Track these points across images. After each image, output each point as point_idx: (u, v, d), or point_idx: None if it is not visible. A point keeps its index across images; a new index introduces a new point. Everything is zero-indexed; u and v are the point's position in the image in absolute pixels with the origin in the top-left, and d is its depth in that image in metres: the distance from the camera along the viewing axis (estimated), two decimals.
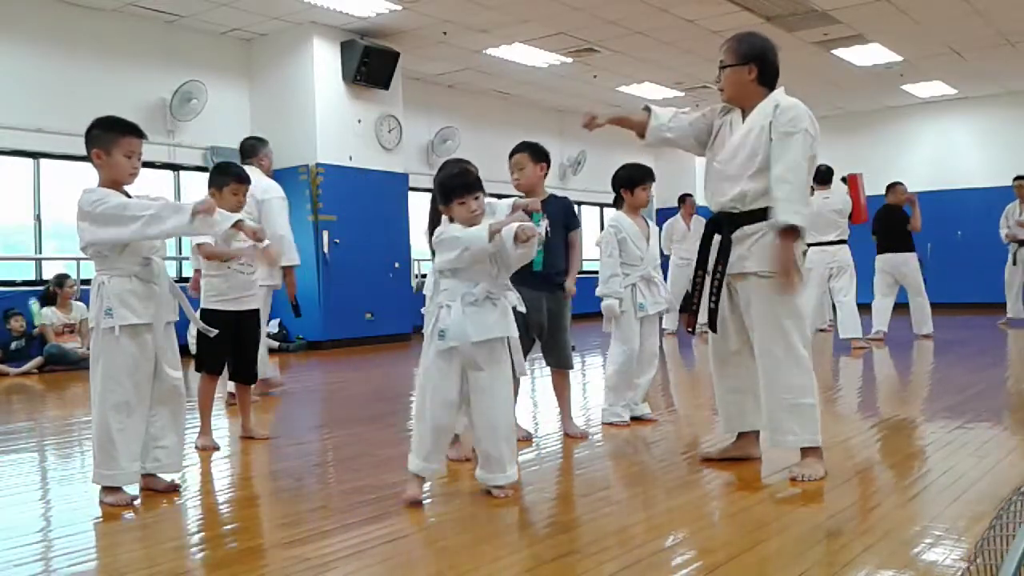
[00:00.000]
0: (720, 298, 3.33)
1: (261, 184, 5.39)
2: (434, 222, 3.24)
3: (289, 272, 5.56)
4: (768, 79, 3.28)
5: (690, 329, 3.84)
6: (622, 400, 4.47)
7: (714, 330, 3.39)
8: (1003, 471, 3.27)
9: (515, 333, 3.08)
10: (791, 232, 3.11)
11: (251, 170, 5.47)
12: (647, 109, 3.54)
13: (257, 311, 4.30)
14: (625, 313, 4.42)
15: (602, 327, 4.55)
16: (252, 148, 5.75)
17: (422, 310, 3.15)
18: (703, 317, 3.44)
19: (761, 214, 3.20)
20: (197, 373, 4.21)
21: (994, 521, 1.45)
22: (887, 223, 9.03)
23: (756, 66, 3.26)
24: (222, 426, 4.79)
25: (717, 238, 3.36)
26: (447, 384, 2.98)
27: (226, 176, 4.16)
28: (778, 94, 3.27)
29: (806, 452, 3.23)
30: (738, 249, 3.27)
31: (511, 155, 4.09)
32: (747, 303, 3.28)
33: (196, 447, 4.04)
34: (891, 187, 9.18)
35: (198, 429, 4.13)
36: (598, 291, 4.46)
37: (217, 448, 4.06)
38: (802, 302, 3.32)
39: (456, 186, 3.05)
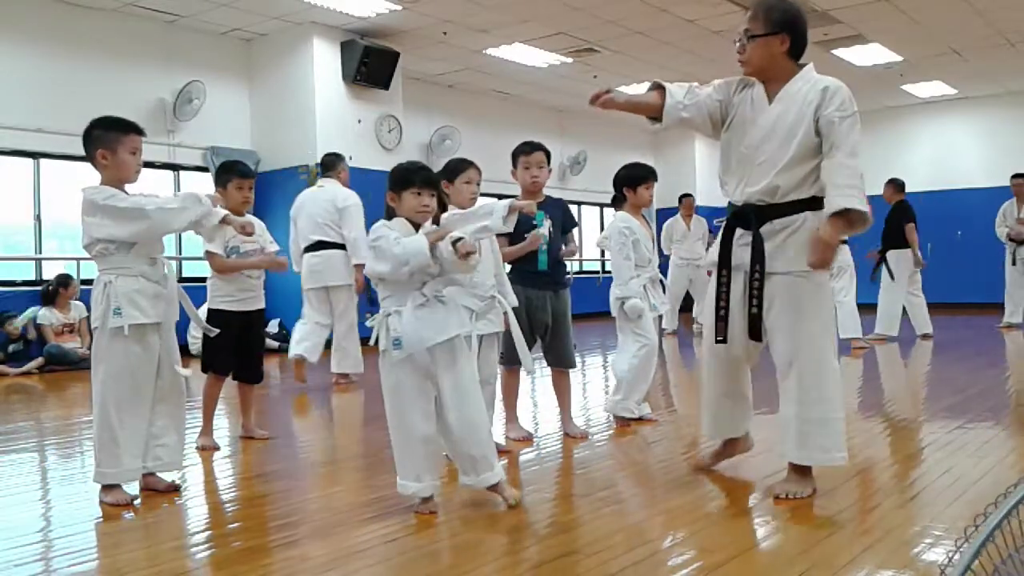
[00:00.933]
0: (762, 301, 2.96)
1: (342, 193, 6.16)
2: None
3: (358, 269, 6.05)
4: (798, 51, 2.98)
5: (720, 338, 3.09)
6: (636, 395, 4.46)
7: (758, 339, 3.00)
8: (1003, 471, 3.27)
9: (468, 330, 2.94)
10: (845, 217, 2.82)
11: (331, 182, 6.24)
12: (659, 87, 3.08)
13: (262, 311, 4.28)
14: (643, 312, 4.42)
15: (617, 328, 4.54)
16: (331, 163, 6.44)
17: (367, 323, 2.96)
18: (736, 325, 3.06)
19: (792, 207, 2.92)
20: (204, 373, 4.22)
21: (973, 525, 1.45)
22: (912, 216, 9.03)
23: (789, 36, 2.93)
24: (222, 426, 4.79)
25: (739, 233, 3.04)
26: (422, 394, 2.86)
27: (229, 173, 4.17)
28: (814, 73, 2.99)
29: (795, 468, 3.00)
30: (768, 245, 2.95)
31: (528, 152, 4.02)
32: (770, 305, 2.97)
33: (197, 447, 4.04)
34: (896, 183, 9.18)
35: (199, 429, 4.14)
36: (619, 293, 4.44)
37: (217, 448, 4.06)
38: (832, 310, 3.06)
39: (419, 176, 2.92)
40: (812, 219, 2.92)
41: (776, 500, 2.93)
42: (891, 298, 8.88)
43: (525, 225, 4.00)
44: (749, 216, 2.98)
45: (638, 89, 3.24)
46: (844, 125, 2.86)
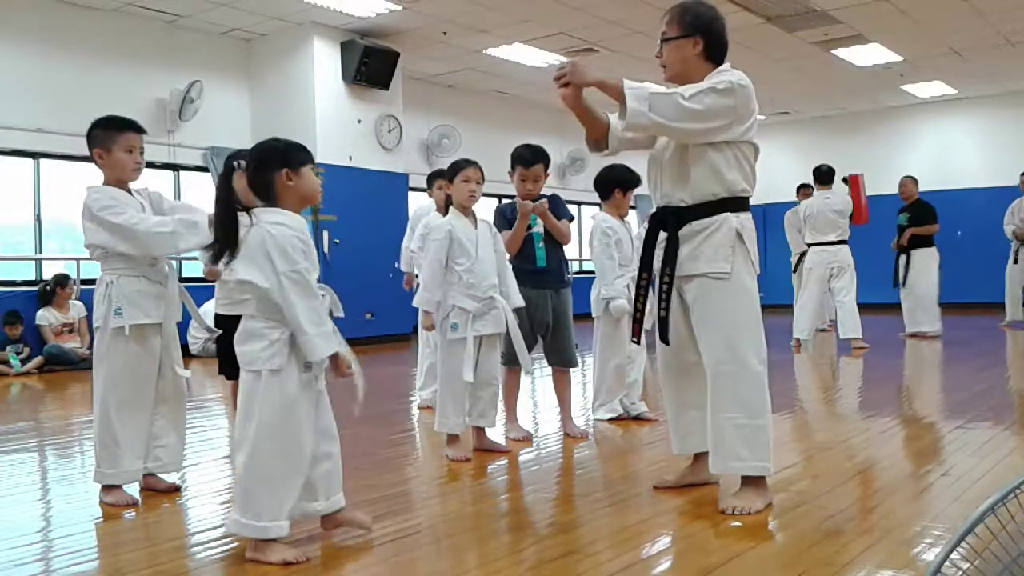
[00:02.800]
0: (670, 304, 2.93)
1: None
2: (229, 209, 2.45)
3: None
4: (715, 53, 2.92)
5: (635, 339, 3.13)
6: (616, 396, 4.53)
7: (665, 341, 2.97)
8: (1003, 471, 3.26)
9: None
10: (615, 92, 2.72)
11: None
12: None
13: None
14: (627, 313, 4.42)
15: (596, 329, 4.56)
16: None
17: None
18: (649, 326, 3.07)
19: (710, 208, 2.87)
20: (223, 377, 3.92)
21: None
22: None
23: (702, 38, 2.89)
24: (221, 426, 4.79)
25: (662, 236, 2.98)
26: (310, 413, 2.54)
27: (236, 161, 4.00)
28: (726, 67, 2.91)
29: (747, 481, 2.86)
30: (685, 248, 2.89)
31: (526, 166, 4.00)
32: (694, 306, 2.92)
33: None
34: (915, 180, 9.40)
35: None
36: (604, 293, 4.46)
37: None
38: (757, 312, 2.90)
39: (309, 154, 2.54)
40: (733, 219, 2.87)
41: (723, 514, 2.79)
42: (931, 295, 9.09)
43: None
44: (669, 219, 2.94)
45: None
46: (702, 84, 2.79)
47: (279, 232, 2.40)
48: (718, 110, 2.77)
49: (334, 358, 2.50)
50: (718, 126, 2.79)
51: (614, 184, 4.53)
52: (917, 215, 9.16)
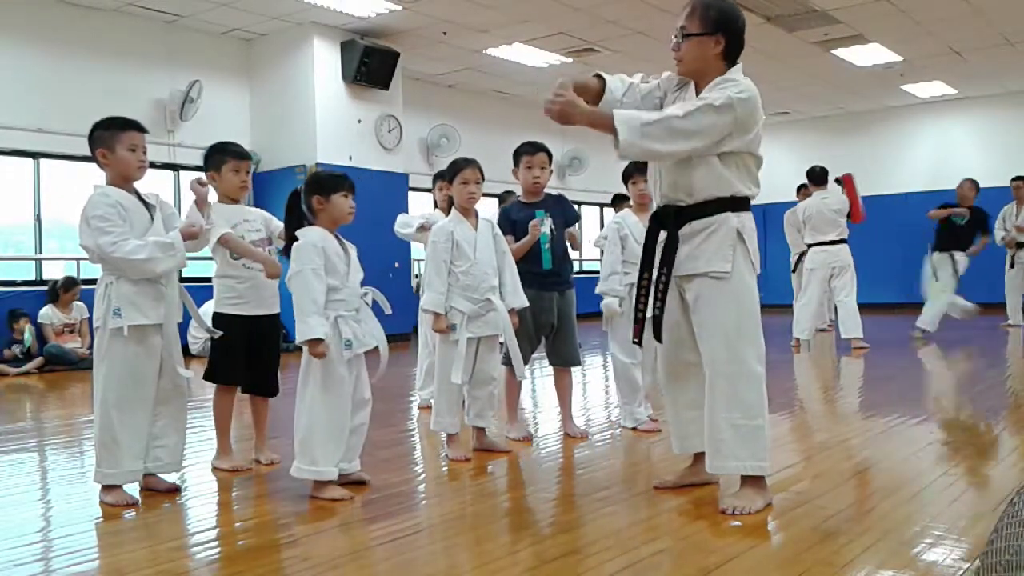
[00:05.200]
0: (665, 303, 2.93)
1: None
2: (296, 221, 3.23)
3: None
4: (733, 54, 2.85)
5: (636, 340, 3.08)
6: (635, 401, 4.36)
7: (659, 340, 2.98)
8: (1003, 471, 3.27)
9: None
10: (606, 125, 2.70)
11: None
12: (599, 76, 3.02)
13: (277, 316, 3.79)
14: (624, 313, 4.32)
15: (601, 326, 4.56)
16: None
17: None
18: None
19: (711, 207, 2.83)
20: (207, 382, 3.76)
21: (999, 524, 1.45)
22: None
23: (724, 37, 2.81)
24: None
25: (662, 236, 2.95)
26: (349, 385, 3.19)
27: (223, 154, 3.66)
28: (738, 74, 2.84)
29: (746, 481, 2.85)
30: (685, 247, 2.87)
31: (532, 152, 4.06)
32: (694, 306, 2.90)
33: (214, 467, 3.65)
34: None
35: (215, 448, 3.73)
36: (598, 289, 4.45)
37: (239, 470, 3.63)
38: (757, 312, 2.87)
39: (333, 182, 3.20)
40: (733, 219, 2.84)
41: (723, 514, 2.78)
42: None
43: (526, 225, 4.02)
44: (669, 218, 2.92)
45: None
46: (699, 100, 2.74)
47: (298, 245, 3.11)
48: (710, 129, 2.72)
49: (313, 342, 3.01)
50: (710, 143, 2.75)
51: (623, 179, 4.54)
52: (975, 222, 9.07)
